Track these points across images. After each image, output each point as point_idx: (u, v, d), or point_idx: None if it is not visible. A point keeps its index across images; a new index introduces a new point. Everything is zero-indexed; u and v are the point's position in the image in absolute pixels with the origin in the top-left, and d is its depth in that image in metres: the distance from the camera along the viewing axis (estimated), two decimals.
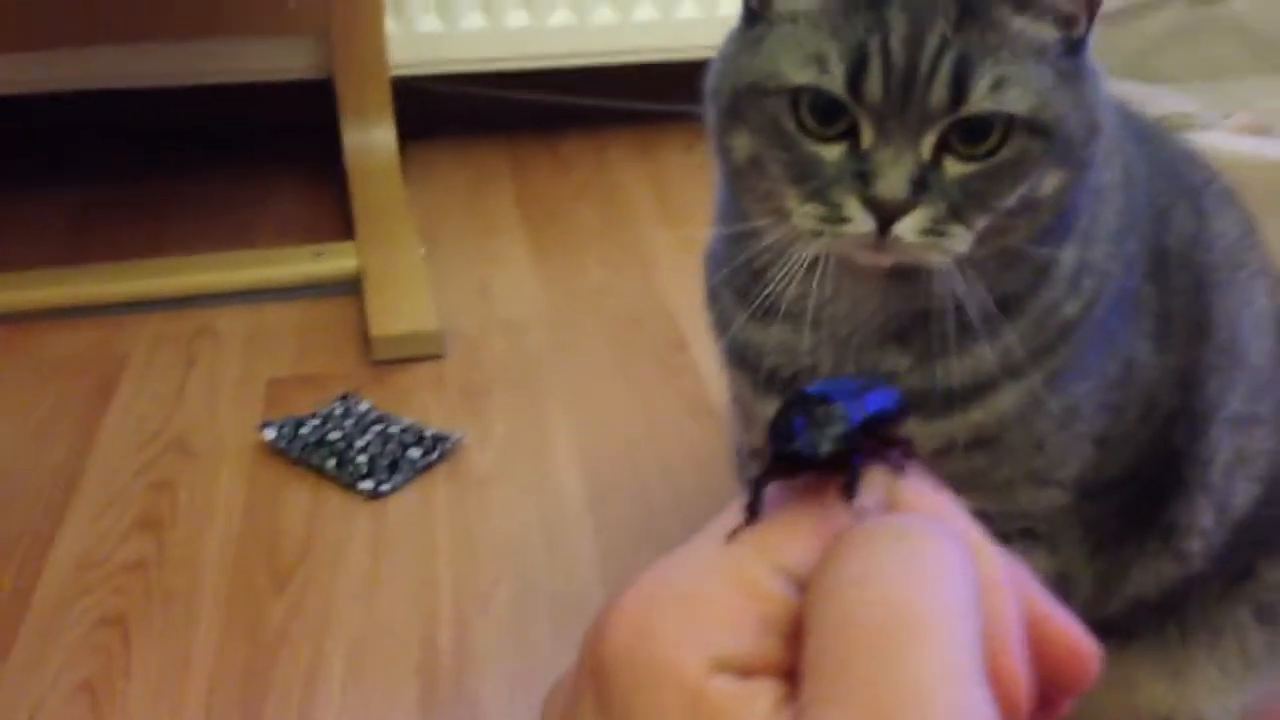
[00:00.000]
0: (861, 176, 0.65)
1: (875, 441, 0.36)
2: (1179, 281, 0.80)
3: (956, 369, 0.73)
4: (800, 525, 0.33)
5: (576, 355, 1.52)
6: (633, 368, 1.49)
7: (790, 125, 0.66)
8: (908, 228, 0.65)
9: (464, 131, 2.17)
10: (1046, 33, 0.66)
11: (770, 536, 0.33)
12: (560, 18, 2.02)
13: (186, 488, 1.29)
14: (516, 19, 2.02)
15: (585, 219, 1.88)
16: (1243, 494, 0.85)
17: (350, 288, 1.63)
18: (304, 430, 1.33)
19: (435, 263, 1.70)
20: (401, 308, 1.56)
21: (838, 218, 0.65)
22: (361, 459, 1.29)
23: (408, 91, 1.99)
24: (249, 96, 2.08)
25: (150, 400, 1.43)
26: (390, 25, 1.97)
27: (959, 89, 0.64)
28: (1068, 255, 0.73)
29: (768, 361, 0.77)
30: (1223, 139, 1.67)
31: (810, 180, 0.66)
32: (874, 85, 0.64)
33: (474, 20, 2.01)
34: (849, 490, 0.34)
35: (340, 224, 1.81)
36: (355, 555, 1.20)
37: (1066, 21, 0.67)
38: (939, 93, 0.64)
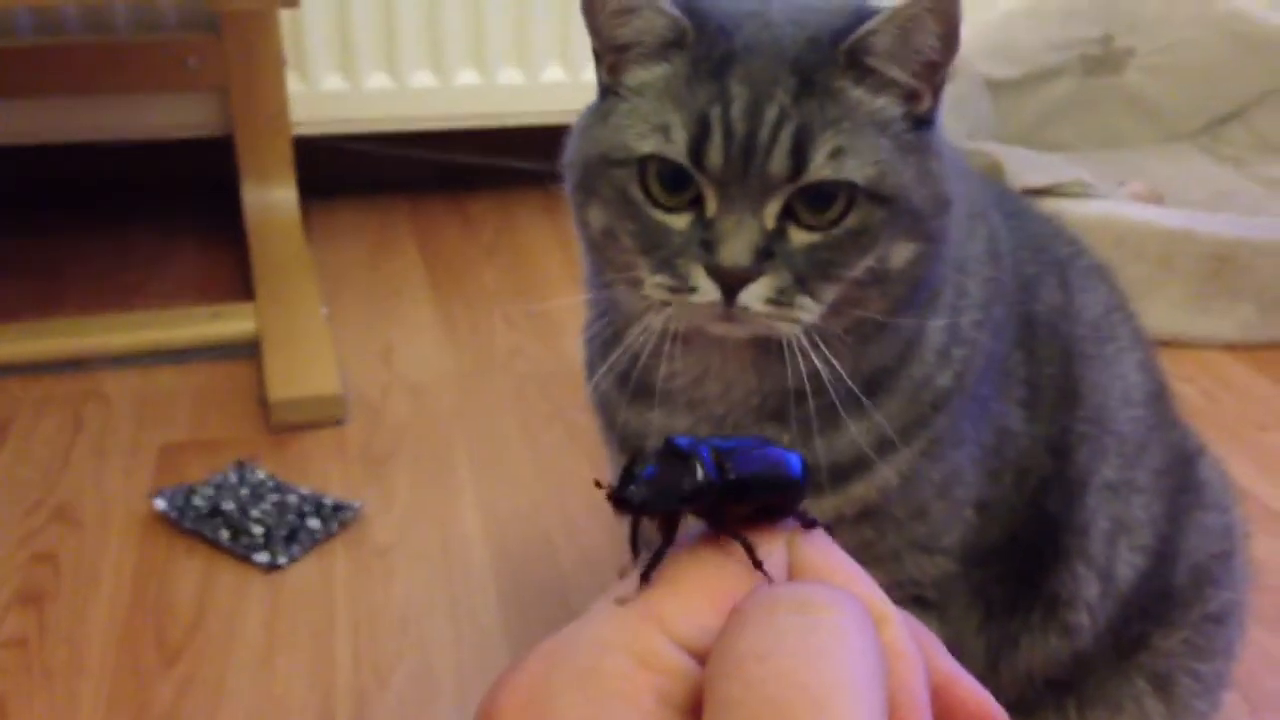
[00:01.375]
0: (706, 245, 0.65)
1: (763, 505, 0.36)
2: (1047, 350, 0.82)
3: (834, 445, 0.73)
4: (698, 592, 0.33)
5: (482, 418, 1.50)
6: (539, 430, 1.47)
7: (638, 195, 0.67)
8: (753, 296, 0.65)
9: (369, 191, 2.15)
10: (888, 106, 0.67)
11: (667, 605, 0.32)
12: (466, 78, 2.01)
13: (71, 559, 1.23)
14: (422, 79, 2.01)
15: (491, 280, 1.86)
16: (1127, 564, 0.86)
17: (248, 350, 1.59)
18: (196, 499, 1.28)
19: (337, 324, 1.66)
20: (301, 371, 1.52)
21: (685, 287, 0.66)
22: (257, 529, 1.24)
23: (311, 150, 1.96)
24: (147, 153, 2.03)
25: (34, 467, 1.37)
26: (294, 84, 1.94)
27: (798, 158, 0.65)
28: (935, 329, 0.73)
29: (650, 446, 0.77)
30: (1119, 206, 1.71)
31: (659, 249, 0.67)
32: (715, 154, 0.65)
33: (379, 80, 1.99)
34: (749, 553, 0.34)
35: (240, 284, 1.77)
36: (249, 630, 1.15)
37: (909, 96, 0.68)
38: (779, 161, 0.65)
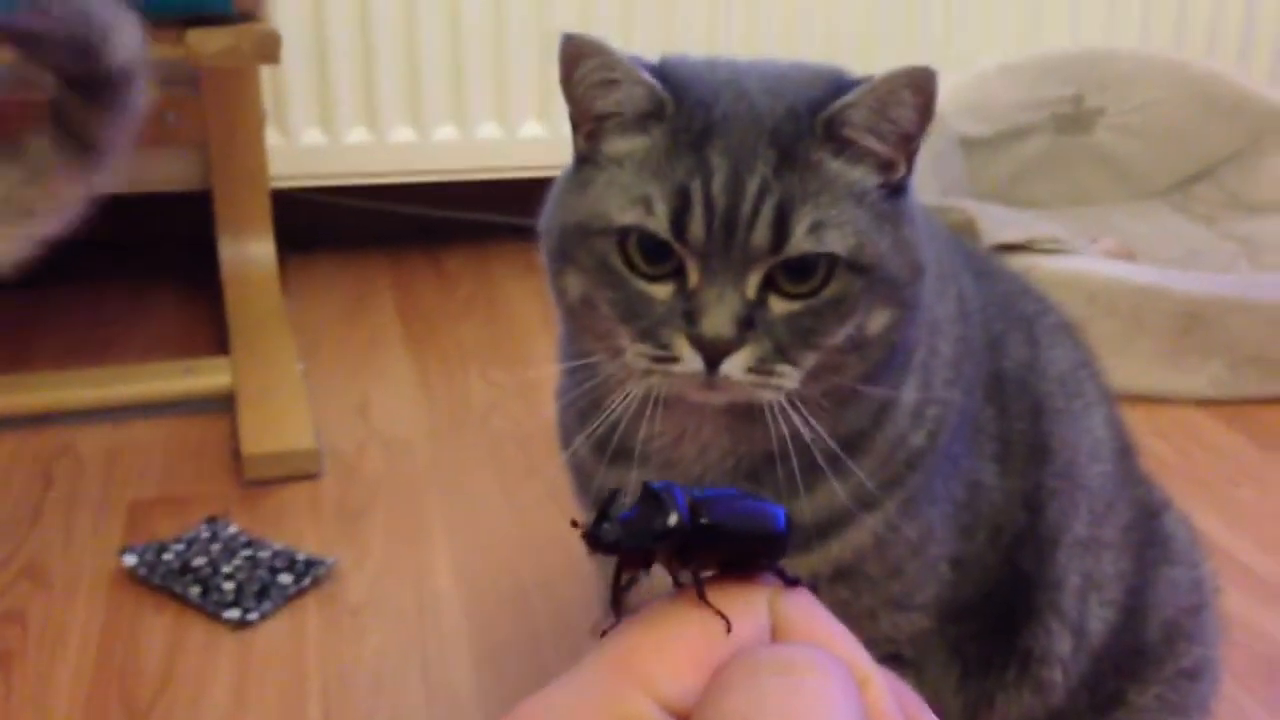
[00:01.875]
0: (689, 316, 0.66)
1: (738, 554, 0.36)
2: (1017, 406, 0.82)
3: (809, 506, 0.73)
4: (681, 652, 0.33)
5: (458, 475, 1.49)
6: (516, 487, 1.46)
7: (619, 264, 0.68)
8: (735, 365, 0.66)
9: (346, 245, 2.15)
10: (865, 176, 0.68)
11: (650, 666, 0.32)
12: (445, 133, 2.03)
13: (39, 618, 1.22)
14: (401, 134, 2.02)
15: (469, 334, 1.86)
16: (1099, 620, 0.87)
17: (223, 405, 1.58)
18: (167, 556, 1.27)
19: (313, 379, 1.66)
20: (276, 425, 1.51)
21: (668, 357, 0.66)
22: (228, 586, 1.23)
23: (289, 204, 1.96)
24: (123, 207, 2.03)
25: (2, 524, 1.36)
26: (272, 137, 1.95)
27: (780, 231, 0.65)
28: (908, 391, 0.74)
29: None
30: (1091, 262, 1.73)
31: (640, 319, 0.67)
32: (697, 226, 0.65)
33: (358, 134, 2.00)
34: (702, 596, 0.34)
35: (216, 339, 1.76)
36: (218, 688, 1.14)
37: (885, 166, 0.69)
38: (761, 234, 0.65)
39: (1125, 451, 0.91)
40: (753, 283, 0.66)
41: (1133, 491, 0.90)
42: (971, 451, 0.80)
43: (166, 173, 1.97)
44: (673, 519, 0.35)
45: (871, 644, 0.78)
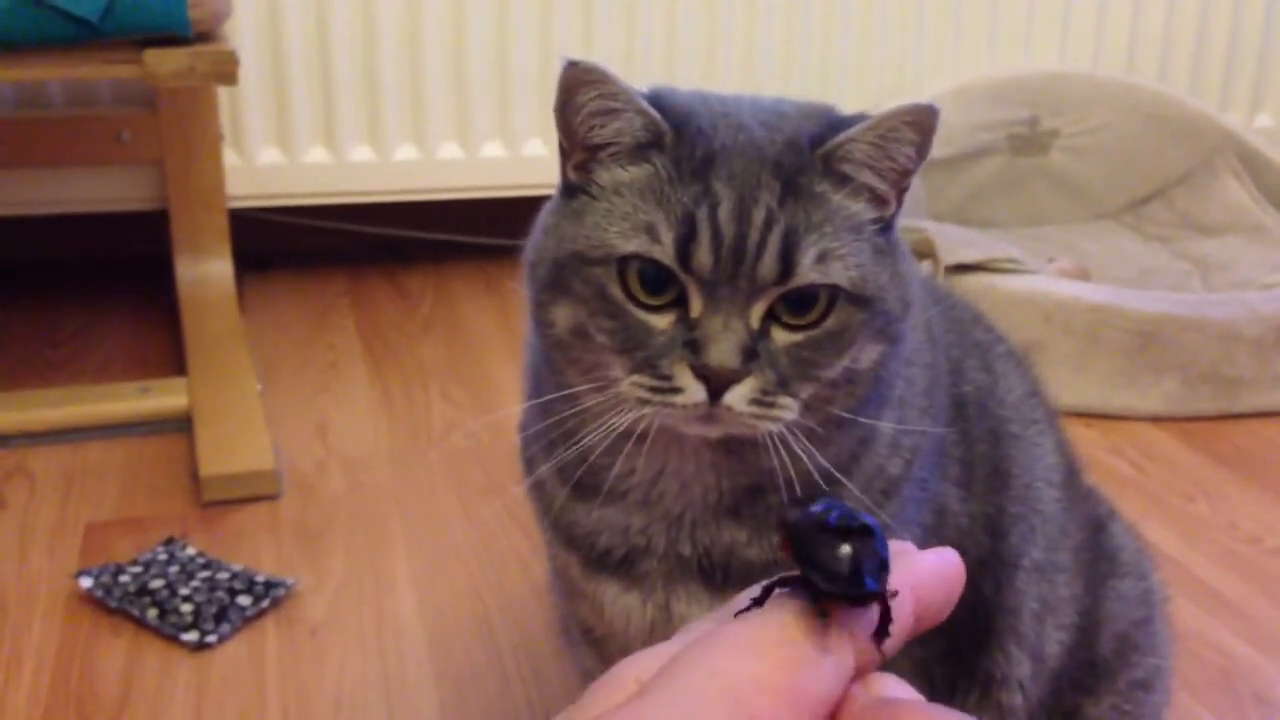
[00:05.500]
0: (692, 345, 0.65)
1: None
2: (978, 429, 0.83)
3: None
4: (794, 693, 0.33)
5: (418, 494, 1.48)
6: (476, 506, 1.46)
7: (618, 294, 0.67)
8: (738, 397, 0.65)
9: (305, 264, 2.14)
10: (863, 210, 0.68)
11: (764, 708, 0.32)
12: (405, 152, 2.02)
13: None
14: (360, 153, 2.01)
15: (429, 354, 1.86)
16: (1055, 643, 0.88)
17: (180, 425, 1.57)
18: (124, 578, 1.25)
19: (272, 399, 1.65)
20: (234, 445, 1.49)
21: (669, 387, 0.65)
22: (186, 608, 1.22)
23: (247, 223, 1.95)
24: (79, 226, 2.01)
25: None
26: (230, 157, 1.94)
27: (787, 261, 0.65)
28: (887, 422, 0.74)
29: (600, 543, 0.76)
30: (1047, 282, 1.75)
31: (639, 349, 0.66)
32: (704, 255, 0.65)
33: (316, 154, 2.00)
34: (881, 633, 0.35)
35: (173, 359, 1.75)
36: (177, 712, 1.12)
37: (880, 202, 0.69)
38: (768, 264, 0.65)
39: (1073, 474, 0.92)
40: (757, 313, 0.65)
41: (1080, 510, 0.91)
42: (937, 476, 0.80)
43: (123, 192, 1.96)
44: (884, 557, 0.35)
45: None
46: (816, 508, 0.36)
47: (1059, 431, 0.92)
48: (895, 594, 0.36)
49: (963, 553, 0.82)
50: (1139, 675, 0.93)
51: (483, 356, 1.84)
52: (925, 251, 1.75)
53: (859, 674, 0.35)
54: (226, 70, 1.51)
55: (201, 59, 1.49)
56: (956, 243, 1.78)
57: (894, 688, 0.36)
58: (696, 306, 0.66)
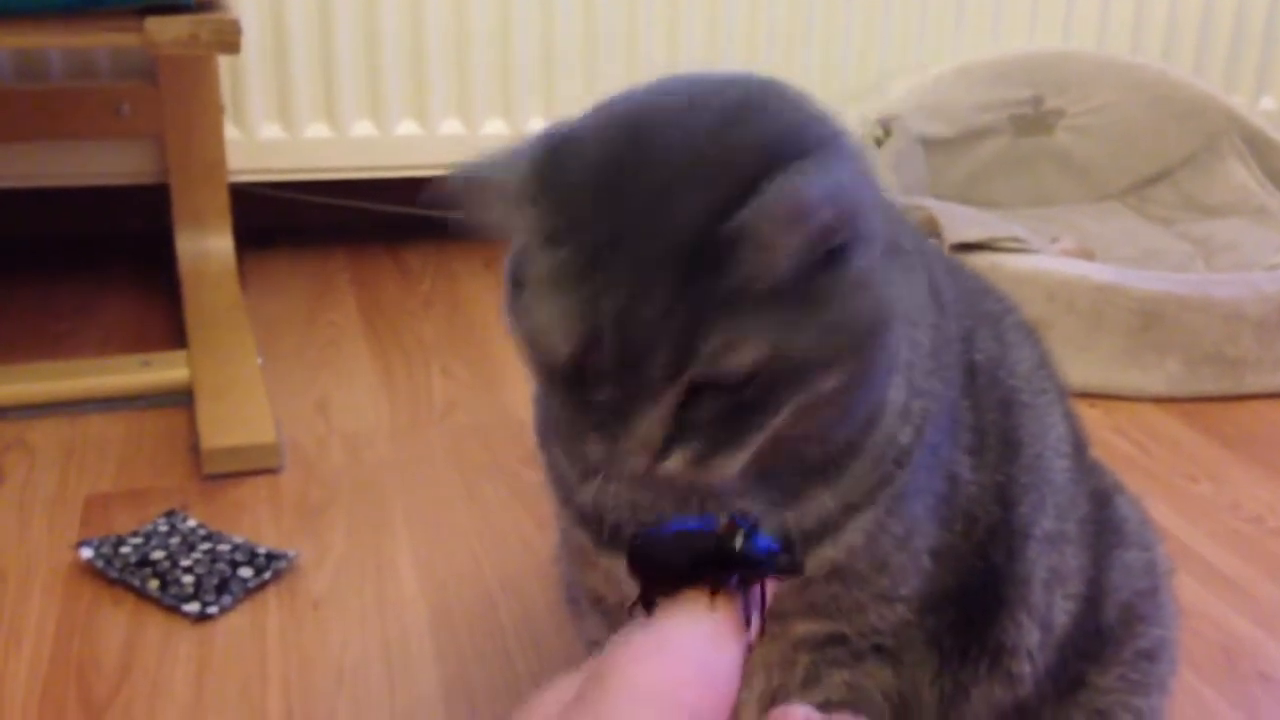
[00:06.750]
0: (612, 431, 0.64)
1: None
2: (989, 398, 0.83)
3: (804, 514, 0.73)
4: (723, 683, 0.38)
5: (420, 470, 1.48)
6: (477, 483, 1.45)
7: (544, 379, 0.67)
8: (673, 466, 0.64)
9: (306, 240, 2.13)
10: (782, 272, 0.61)
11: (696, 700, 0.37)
12: (407, 128, 2.01)
13: None
14: (362, 128, 2.00)
15: (430, 331, 1.85)
16: (1063, 613, 0.88)
17: (181, 398, 1.56)
18: (125, 549, 1.25)
19: (273, 373, 1.64)
20: (235, 419, 1.49)
21: (603, 464, 0.66)
22: (187, 579, 1.22)
23: (248, 198, 1.95)
24: (79, 200, 2.00)
25: None
26: (231, 132, 1.93)
27: (685, 354, 0.61)
28: (895, 391, 0.73)
29: (610, 518, 0.76)
30: (1052, 262, 1.74)
31: (567, 430, 0.68)
32: (604, 350, 0.62)
33: (318, 129, 1.99)
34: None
35: (173, 334, 1.74)
36: (178, 683, 1.12)
37: (804, 255, 0.62)
38: (664, 359, 0.61)
39: (1081, 447, 0.92)
40: (669, 397, 0.63)
41: (1087, 482, 0.91)
42: (949, 443, 0.80)
43: (123, 165, 1.95)
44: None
45: (859, 636, 0.79)
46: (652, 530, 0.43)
47: (1066, 402, 0.91)
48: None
49: (974, 521, 0.82)
50: (1144, 645, 0.93)
51: (484, 334, 1.84)
52: (930, 230, 1.74)
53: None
54: (229, 39, 1.50)
55: (203, 27, 1.48)
56: (961, 221, 1.78)
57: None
58: (611, 394, 0.64)
